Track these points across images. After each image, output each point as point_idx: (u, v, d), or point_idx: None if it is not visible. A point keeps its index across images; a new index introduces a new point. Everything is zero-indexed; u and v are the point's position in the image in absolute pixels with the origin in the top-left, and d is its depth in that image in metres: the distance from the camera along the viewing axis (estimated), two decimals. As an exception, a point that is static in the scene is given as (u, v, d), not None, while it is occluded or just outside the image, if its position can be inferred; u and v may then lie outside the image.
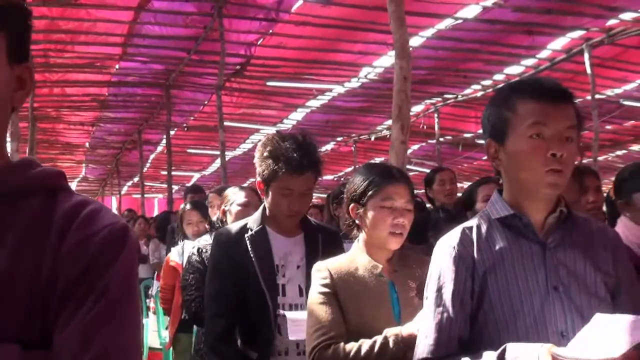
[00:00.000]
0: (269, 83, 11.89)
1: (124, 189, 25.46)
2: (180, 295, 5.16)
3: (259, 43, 10.12)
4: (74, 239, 1.24)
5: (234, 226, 3.20)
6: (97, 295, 1.21)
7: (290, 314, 2.90)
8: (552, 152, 1.91)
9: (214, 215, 4.91)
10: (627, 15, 8.93)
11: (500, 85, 2.11)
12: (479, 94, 12.63)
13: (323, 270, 2.59)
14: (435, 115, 14.12)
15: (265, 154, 2.99)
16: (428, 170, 6.52)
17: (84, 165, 22.31)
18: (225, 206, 4.19)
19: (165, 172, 14.23)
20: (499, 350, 1.85)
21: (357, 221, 2.66)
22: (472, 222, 2.08)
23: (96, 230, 1.26)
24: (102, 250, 1.24)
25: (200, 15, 9.12)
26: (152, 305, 7.80)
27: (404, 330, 2.39)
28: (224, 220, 4.16)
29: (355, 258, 2.64)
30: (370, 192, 2.59)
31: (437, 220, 4.21)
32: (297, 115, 14.58)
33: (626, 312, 1.93)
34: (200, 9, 8.95)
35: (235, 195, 4.15)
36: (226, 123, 11.06)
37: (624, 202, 3.14)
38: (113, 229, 1.27)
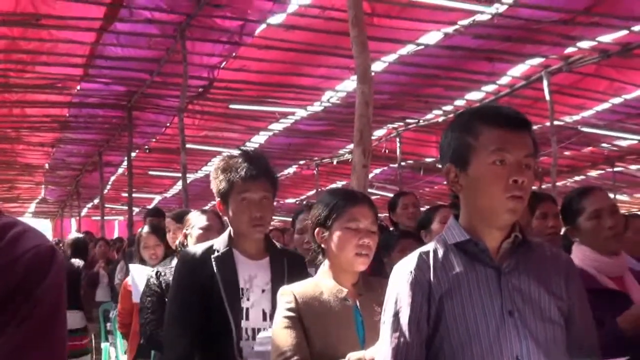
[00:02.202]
0: (231, 106, 11.87)
1: (84, 211, 25.16)
2: (138, 319, 5.11)
3: (222, 66, 10.11)
4: None
5: (199, 247, 3.17)
6: (23, 318, 1.19)
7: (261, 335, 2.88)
8: (514, 178, 1.94)
9: (171, 239, 4.88)
10: (585, 44, 9.12)
11: (459, 111, 2.14)
12: (440, 119, 12.75)
13: (288, 294, 2.59)
14: (397, 139, 14.23)
15: (219, 171, 3.03)
16: (390, 194, 6.57)
17: (43, 186, 22.02)
18: (186, 230, 4.16)
19: (126, 194, 14.11)
20: None
21: (322, 245, 2.67)
22: (429, 247, 2.10)
23: (22, 252, 1.22)
24: (28, 273, 1.21)
25: (163, 38, 9.10)
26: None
27: (367, 354, 2.38)
28: (185, 244, 4.13)
29: (320, 282, 2.64)
30: (334, 215, 2.61)
31: (389, 241, 4.23)
32: (260, 138, 14.60)
33: (577, 335, 1.99)
34: (163, 31, 8.93)
35: (197, 219, 4.12)
36: (188, 145, 11.02)
37: (572, 228, 3.19)
38: (39, 250, 1.24)
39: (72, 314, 7.61)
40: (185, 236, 4.15)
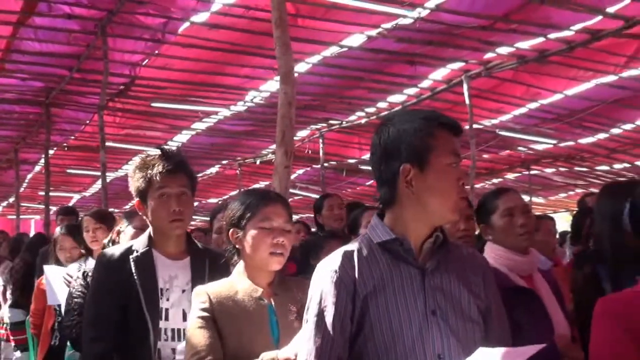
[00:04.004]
0: (153, 104, 11.71)
1: (-2, 210, 24.42)
2: (50, 320, 5.00)
3: (144, 63, 9.97)
4: None
5: (118, 248, 3.15)
6: None
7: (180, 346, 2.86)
8: (462, 181, 2.06)
9: (89, 238, 4.82)
10: (504, 50, 9.33)
11: (400, 112, 2.19)
12: (363, 120, 12.86)
13: (202, 294, 2.58)
14: (320, 140, 14.28)
15: (136, 170, 3.03)
16: (313, 195, 6.61)
17: (-45, 184, 21.28)
18: (120, 227, 4.11)
19: (43, 193, 13.75)
20: None
21: (237, 246, 2.66)
22: (353, 246, 2.11)
23: None
24: None
25: (84, 34, 8.90)
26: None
27: (281, 354, 2.39)
28: (117, 241, 4.09)
29: (235, 282, 2.63)
30: (248, 215, 2.61)
31: (317, 242, 4.26)
32: (183, 137, 14.44)
33: (494, 333, 2.06)
34: (83, 27, 8.73)
35: (132, 218, 4.08)
36: (108, 144, 10.83)
37: (485, 226, 3.29)
38: None
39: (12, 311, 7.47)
40: (118, 233, 4.10)
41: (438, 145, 2.05)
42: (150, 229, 3.09)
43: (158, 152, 3.06)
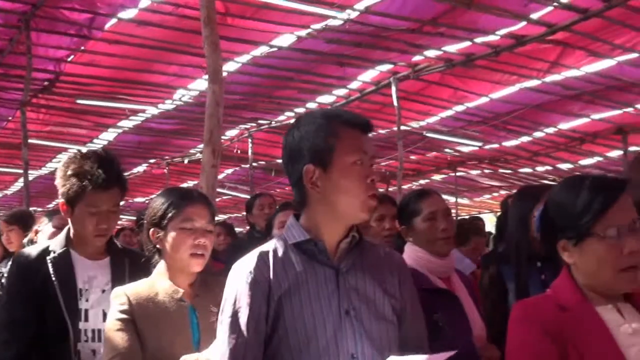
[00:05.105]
0: (79, 101, 11.47)
1: None
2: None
3: (69, 59, 9.76)
4: None
5: (34, 249, 3.07)
6: None
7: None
8: (372, 178, 2.04)
9: (5, 241, 4.74)
10: (431, 53, 9.47)
11: (307, 113, 2.19)
12: (292, 120, 12.84)
13: (121, 295, 2.53)
14: (249, 140, 14.24)
15: (69, 172, 2.90)
16: (242, 195, 6.60)
17: None
18: (39, 226, 4.03)
19: (-39, 191, 13.38)
20: None
21: (158, 246, 2.63)
22: (269, 247, 2.11)
23: None
24: None
25: (6, 27, 8.67)
26: None
27: (201, 357, 2.36)
28: (35, 241, 4.00)
29: (155, 283, 2.60)
30: (170, 215, 2.58)
31: (251, 243, 4.26)
32: (109, 135, 14.18)
33: (410, 333, 2.09)
34: (6, 21, 8.51)
35: (51, 217, 4.00)
36: (31, 141, 10.56)
37: (406, 228, 3.32)
38: None
39: None
40: (36, 233, 4.02)
41: (341, 143, 2.04)
42: (69, 229, 3.03)
43: (95, 157, 2.94)
